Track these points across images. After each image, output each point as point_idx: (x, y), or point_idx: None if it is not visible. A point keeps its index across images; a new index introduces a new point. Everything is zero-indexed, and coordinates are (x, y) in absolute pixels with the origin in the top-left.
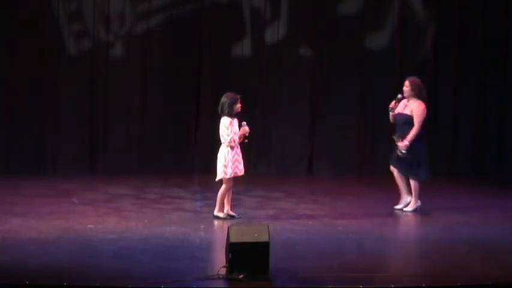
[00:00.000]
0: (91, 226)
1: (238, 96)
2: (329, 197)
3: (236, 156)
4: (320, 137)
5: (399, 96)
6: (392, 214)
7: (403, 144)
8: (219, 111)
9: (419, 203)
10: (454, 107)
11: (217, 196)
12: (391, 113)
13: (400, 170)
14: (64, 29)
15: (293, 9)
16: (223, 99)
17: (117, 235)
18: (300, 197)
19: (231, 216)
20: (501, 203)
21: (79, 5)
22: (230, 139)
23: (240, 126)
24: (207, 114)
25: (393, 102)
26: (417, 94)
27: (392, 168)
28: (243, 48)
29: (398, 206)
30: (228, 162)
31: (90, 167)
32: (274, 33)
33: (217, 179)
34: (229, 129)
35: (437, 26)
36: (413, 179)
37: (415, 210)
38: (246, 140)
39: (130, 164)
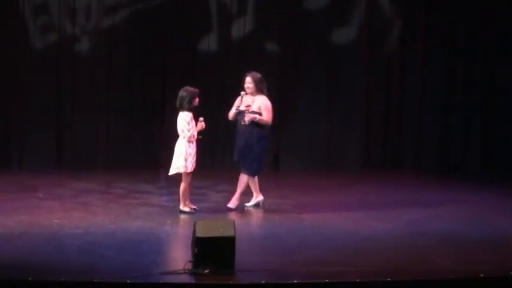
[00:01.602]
0: (57, 221)
1: (197, 91)
2: (296, 192)
3: (194, 150)
4: (287, 132)
5: (242, 93)
6: (359, 208)
7: (252, 115)
8: (177, 106)
9: (261, 197)
10: (420, 101)
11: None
12: (233, 111)
13: (241, 167)
14: (29, 22)
15: (260, 4)
16: (182, 93)
17: (83, 230)
18: (266, 192)
19: (193, 210)
20: (471, 198)
21: None
22: (191, 134)
23: (196, 122)
24: (173, 109)
25: (239, 99)
26: (261, 89)
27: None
28: (210, 43)
29: (249, 204)
30: (188, 156)
31: (56, 163)
32: (240, 28)
33: (171, 173)
34: (190, 124)
35: (403, 20)
36: (245, 173)
37: (257, 205)
38: (200, 136)
39: (97, 159)
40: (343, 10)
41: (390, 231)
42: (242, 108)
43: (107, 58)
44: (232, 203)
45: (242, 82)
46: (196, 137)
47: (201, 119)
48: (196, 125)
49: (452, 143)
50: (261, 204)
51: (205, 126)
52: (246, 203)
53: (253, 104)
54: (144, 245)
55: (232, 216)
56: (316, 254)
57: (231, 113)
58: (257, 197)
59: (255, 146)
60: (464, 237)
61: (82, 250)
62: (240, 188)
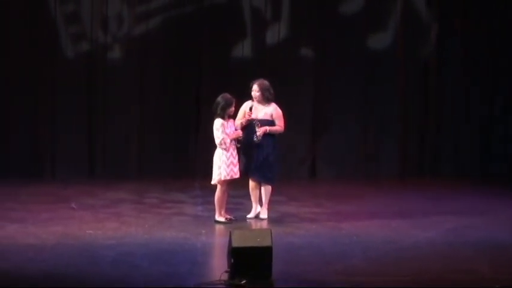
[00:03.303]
0: (90, 231)
1: (233, 100)
2: (332, 200)
3: (231, 158)
4: (323, 139)
5: (250, 102)
6: (398, 217)
7: (264, 129)
8: (213, 111)
9: (259, 207)
10: (458, 107)
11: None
12: (241, 121)
13: (253, 177)
14: (61, 31)
15: (294, 10)
16: (219, 99)
17: (116, 240)
18: (303, 200)
19: (229, 219)
20: (508, 205)
21: (76, 6)
22: (220, 141)
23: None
24: (208, 117)
25: (250, 113)
26: (268, 97)
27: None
28: (244, 49)
29: (250, 215)
30: (222, 163)
31: (89, 172)
32: (275, 34)
33: (212, 182)
34: (219, 130)
35: (441, 25)
36: (267, 183)
37: (257, 216)
38: (239, 145)
39: (130, 168)
40: (379, 15)
41: (431, 240)
42: (257, 130)
43: (140, 66)
44: (263, 213)
45: (250, 89)
46: (229, 144)
47: (238, 126)
48: (232, 132)
49: (492, 150)
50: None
51: (243, 133)
52: (261, 213)
53: (261, 112)
54: (179, 255)
55: (268, 225)
56: (355, 264)
57: (238, 124)
58: (256, 208)
59: (271, 155)
60: (506, 245)
61: (116, 261)
62: (266, 198)
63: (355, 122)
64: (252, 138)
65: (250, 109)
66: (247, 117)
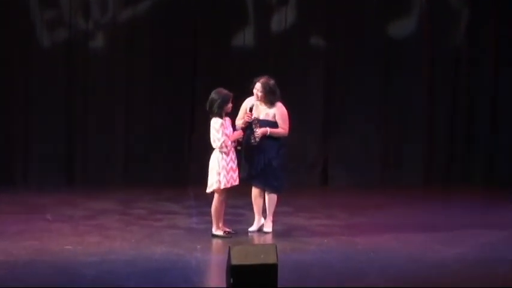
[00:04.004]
0: (68, 247)
1: (231, 95)
2: (346, 211)
3: (231, 163)
4: (336, 142)
5: (251, 104)
6: (422, 230)
7: (263, 130)
8: (207, 109)
9: (262, 219)
10: (492, 103)
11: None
12: (241, 123)
13: (256, 185)
14: (35, 17)
15: None
16: (214, 95)
17: (99, 257)
18: (313, 211)
19: (227, 233)
20: None
21: None
22: (221, 143)
23: (234, 128)
24: (204, 117)
25: (249, 114)
26: (272, 100)
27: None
28: (245, 38)
29: (253, 229)
30: (222, 169)
31: (68, 179)
32: (281, 20)
33: (208, 190)
34: (219, 132)
35: (471, 11)
36: (273, 192)
37: (260, 229)
38: (239, 147)
39: (115, 174)
40: None
41: (460, 257)
42: (255, 130)
43: (126, 57)
44: (268, 226)
45: (252, 86)
46: (230, 147)
47: (239, 126)
48: (232, 132)
49: None
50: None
51: (244, 135)
52: (265, 227)
53: (263, 113)
54: (170, 274)
55: (273, 240)
56: (372, 284)
57: (238, 125)
58: (260, 220)
59: (274, 160)
60: None
61: (98, 281)
62: (271, 209)
63: (372, 122)
64: (251, 140)
65: (251, 109)
66: (246, 118)
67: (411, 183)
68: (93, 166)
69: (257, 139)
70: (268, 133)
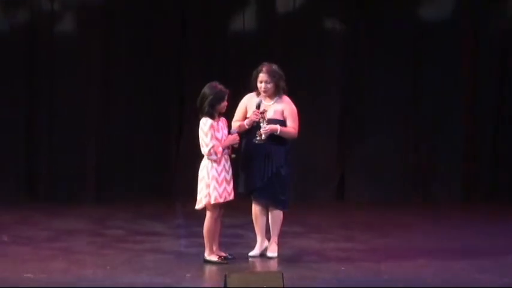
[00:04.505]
0: (29, 275)
1: (226, 92)
2: (368, 231)
3: (224, 173)
4: (355, 150)
5: (258, 100)
6: (458, 255)
7: (273, 127)
8: (197, 107)
9: (266, 242)
10: None
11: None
12: (245, 122)
13: (259, 199)
14: None
15: None
16: (205, 91)
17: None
18: (328, 231)
19: (223, 258)
20: None
21: None
22: (209, 149)
23: (228, 131)
24: (195, 117)
25: (258, 111)
26: (281, 87)
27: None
28: (245, 21)
29: (254, 253)
30: (212, 180)
31: (29, 193)
32: (289, 0)
33: (198, 206)
34: (208, 135)
35: None
36: (279, 208)
37: (263, 253)
38: (234, 155)
39: (86, 187)
40: None
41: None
42: (262, 126)
43: (100, 45)
44: (272, 250)
45: (254, 79)
46: (221, 154)
47: (235, 130)
48: (226, 136)
49: None
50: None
51: (240, 141)
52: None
53: (271, 109)
54: None
55: (278, 266)
56: None
57: (236, 127)
58: (262, 242)
59: (283, 169)
60: None
61: None
62: (275, 229)
63: (399, 124)
64: (255, 138)
65: (258, 107)
66: (253, 117)
67: (446, 199)
68: (59, 178)
69: (263, 136)
70: (278, 132)
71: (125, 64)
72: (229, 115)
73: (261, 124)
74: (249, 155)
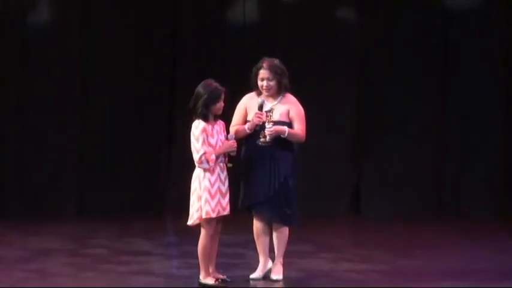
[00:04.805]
0: None
1: (222, 90)
2: (388, 250)
3: (218, 184)
4: (373, 157)
5: (260, 100)
6: (493, 278)
7: (280, 128)
8: (190, 108)
9: (270, 262)
10: None
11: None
12: (246, 126)
13: (262, 214)
14: None
15: None
16: (199, 90)
17: None
18: (341, 250)
19: (220, 281)
20: None
21: None
22: (201, 156)
23: (226, 137)
24: (188, 120)
25: (263, 114)
26: (284, 84)
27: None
28: (246, 11)
29: (256, 275)
30: (204, 192)
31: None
32: None
33: (190, 222)
34: (200, 140)
35: None
36: (284, 225)
37: (267, 275)
38: (230, 165)
39: (64, 201)
40: None
41: None
42: (267, 126)
43: (80, 37)
44: (277, 272)
45: (254, 76)
46: (214, 162)
47: (231, 135)
48: (222, 142)
49: None
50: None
51: (238, 147)
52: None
53: (276, 111)
54: None
55: None
56: None
57: (233, 132)
58: (266, 263)
59: (290, 179)
60: None
61: None
62: (280, 248)
63: (424, 127)
64: (258, 139)
65: (260, 108)
66: (256, 120)
67: (477, 214)
68: (33, 190)
69: (268, 138)
70: (286, 134)
71: (107, 63)
72: (227, 118)
73: (266, 124)
74: (250, 163)
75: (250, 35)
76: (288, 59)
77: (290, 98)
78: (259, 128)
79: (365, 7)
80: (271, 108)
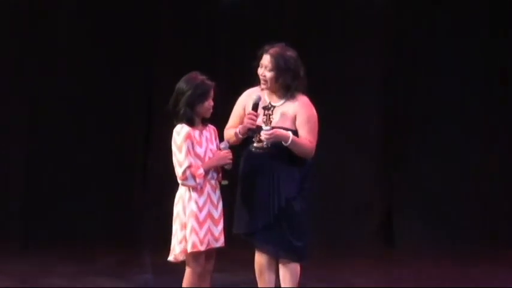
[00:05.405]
0: None
1: (211, 85)
2: None
3: (209, 208)
4: (406, 177)
5: (257, 96)
6: None
7: (281, 133)
8: (170, 109)
9: None
10: None
11: None
12: (236, 131)
13: (264, 246)
14: None
15: None
16: (182, 85)
17: None
18: None
19: None
20: None
21: None
22: (184, 171)
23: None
24: (169, 126)
25: (254, 113)
26: (294, 81)
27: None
28: None
29: None
30: (190, 218)
31: None
32: None
33: (171, 257)
34: (184, 149)
35: None
36: (293, 260)
37: None
38: (225, 182)
39: (10, 229)
40: None
41: None
42: (264, 128)
43: (37, 32)
44: None
45: (255, 67)
46: (203, 178)
47: (225, 143)
48: (211, 153)
49: None
50: None
51: (233, 158)
52: None
53: (278, 111)
54: None
55: None
56: None
57: (229, 137)
58: None
59: (297, 202)
60: None
61: None
62: None
63: (472, 139)
64: (251, 144)
65: (255, 107)
66: (247, 122)
67: None
68: None
69: (265, 143)
70: (289, 142)
71: (67, 52)
72: (219, 123)
73: (263, 126)
74: (247, 179)
75: (249, 21)
76: (302, 50)
77: (301, 99)
78: (252, 133)
79: None
80: (270, 106)
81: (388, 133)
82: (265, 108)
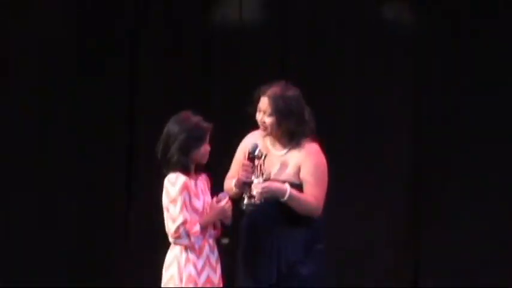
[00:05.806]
0: None
1: (207, 128)
2: None
3: (208, 272)
4: (435, 228)
5: (254, 144)
6: None
7: (274, 186)
8: (159, 156)
9: None
10: None
11: None
12: (235, 184)
13: None
14: None
15: None
16: (172, 128)
17: None
18: None
19: None
20: None
21: None
22: (178, 227)
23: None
24: (154, 170)
25: (246, 163)
26: (296, 125)
27: None
28: (243, 7)
29: None
30: (188, 282)
31: None
32: None
33: None
34: (179, 202)
35: None
36: None
37: None
38: (226, 240)
39: None
40: None
41: None
42: (255, 181)
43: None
44: None
45: (253, 110)
46: (199, 236)
47: (224, 194)
48: (208, 206)
49: None
50: None
51: (233, 208)
52: None
53: (278, 161)
54: None
55: None
56: None
57: (229, 188)
58: None
59: (302, 265)
60: None
61: None
62: None
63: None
64: (241, 201)
65: (250, 156)
66: (241, 175)
67: None
68: None
69: (255, 201)
70: (286, 197)
71: (42, 79)
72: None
73: (254, 178)
74: (248, 239)
75: (249, 36)
76: (301, 77)
77: (309, 147)
78: (244, 188)
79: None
80: (262, 154)
81: (416, 175)
82: (256, 157)
